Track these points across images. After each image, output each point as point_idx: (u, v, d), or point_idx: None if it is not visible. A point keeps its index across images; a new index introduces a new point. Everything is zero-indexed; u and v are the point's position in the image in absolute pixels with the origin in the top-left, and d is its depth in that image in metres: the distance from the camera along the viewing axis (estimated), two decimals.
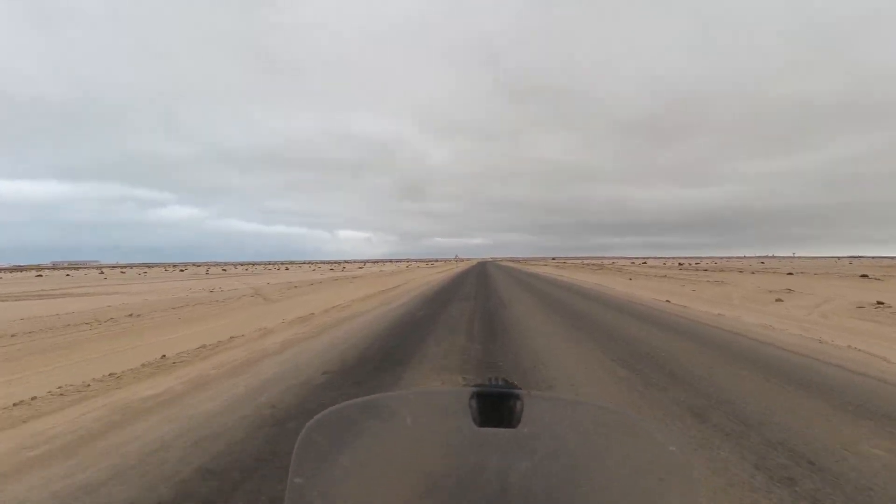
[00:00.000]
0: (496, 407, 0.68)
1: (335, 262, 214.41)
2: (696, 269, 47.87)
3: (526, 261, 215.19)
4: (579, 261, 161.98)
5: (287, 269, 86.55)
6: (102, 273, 76.32)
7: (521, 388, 0.70)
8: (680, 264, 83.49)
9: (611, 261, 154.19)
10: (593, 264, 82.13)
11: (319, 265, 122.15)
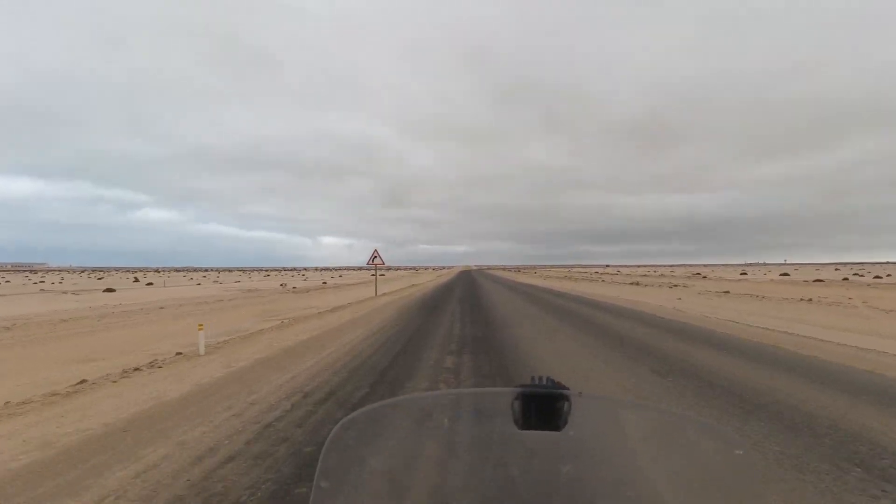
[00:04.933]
0: (541, 408, 0.63)
1: (294, 270, 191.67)
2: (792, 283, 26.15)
3: (519, 269, 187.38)
4: (589, 271, 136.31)
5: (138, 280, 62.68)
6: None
7: (568, 388, 0.65)
8: (743, 274, 62.32)
9: (595, 270, 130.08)
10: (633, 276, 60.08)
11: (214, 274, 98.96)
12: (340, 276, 78.29)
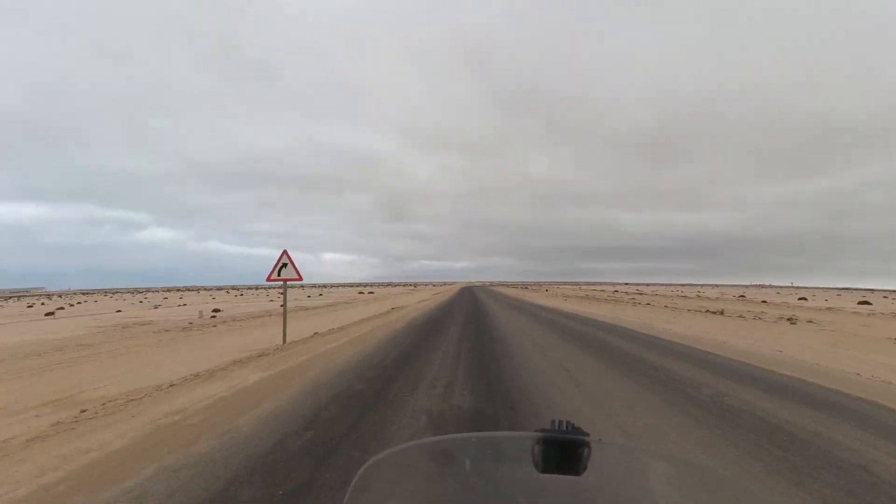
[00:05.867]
0: (561, 453, 0.63)
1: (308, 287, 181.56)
2: None
3: (526, 286, 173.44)
4: (607, 289, 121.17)
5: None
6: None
7: (588, 434, 0.65)
8: (802, 299, 50.64)
9: (615, 289, 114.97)
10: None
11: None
12: (320, 294, 66.62)
